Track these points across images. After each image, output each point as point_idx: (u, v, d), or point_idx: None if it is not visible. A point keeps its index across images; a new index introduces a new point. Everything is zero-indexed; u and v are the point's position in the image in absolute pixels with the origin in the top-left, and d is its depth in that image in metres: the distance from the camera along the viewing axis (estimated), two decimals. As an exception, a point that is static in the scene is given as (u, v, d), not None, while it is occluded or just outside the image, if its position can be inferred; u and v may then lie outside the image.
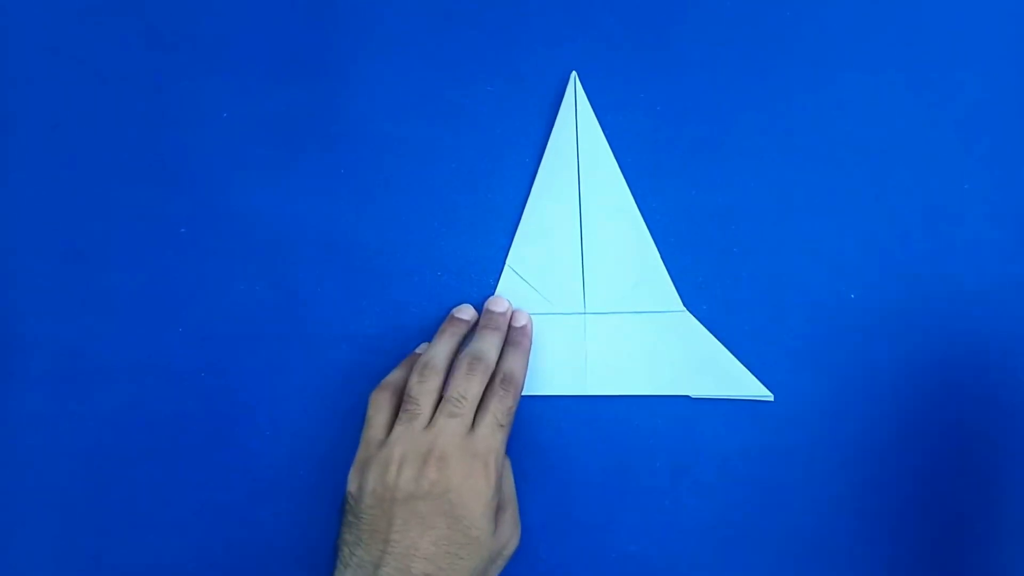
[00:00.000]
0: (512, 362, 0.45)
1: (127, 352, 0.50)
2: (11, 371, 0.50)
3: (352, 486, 0.42)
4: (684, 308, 0.48)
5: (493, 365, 0.44)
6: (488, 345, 0.45)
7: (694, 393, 0.47)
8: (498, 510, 0.42)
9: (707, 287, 0.48)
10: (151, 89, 0.51)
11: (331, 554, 0.42)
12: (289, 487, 0.49)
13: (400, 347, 0.49)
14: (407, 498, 0.40)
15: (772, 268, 0.48)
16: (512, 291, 0.48)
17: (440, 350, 0.45)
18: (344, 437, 0.48)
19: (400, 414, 0.43)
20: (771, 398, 0.47)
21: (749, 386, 0.47)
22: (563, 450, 0.48)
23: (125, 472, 0.49)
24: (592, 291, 0.48)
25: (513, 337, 0.46)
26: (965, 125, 0.48)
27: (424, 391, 0.43)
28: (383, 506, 0.40)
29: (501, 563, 0.43)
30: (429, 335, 0.47)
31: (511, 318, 0.47)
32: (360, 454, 0.43)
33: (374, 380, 0.46)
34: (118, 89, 0.51)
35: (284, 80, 0.50)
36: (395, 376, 0.46)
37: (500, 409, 0.43)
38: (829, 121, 0.49)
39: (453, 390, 0.43)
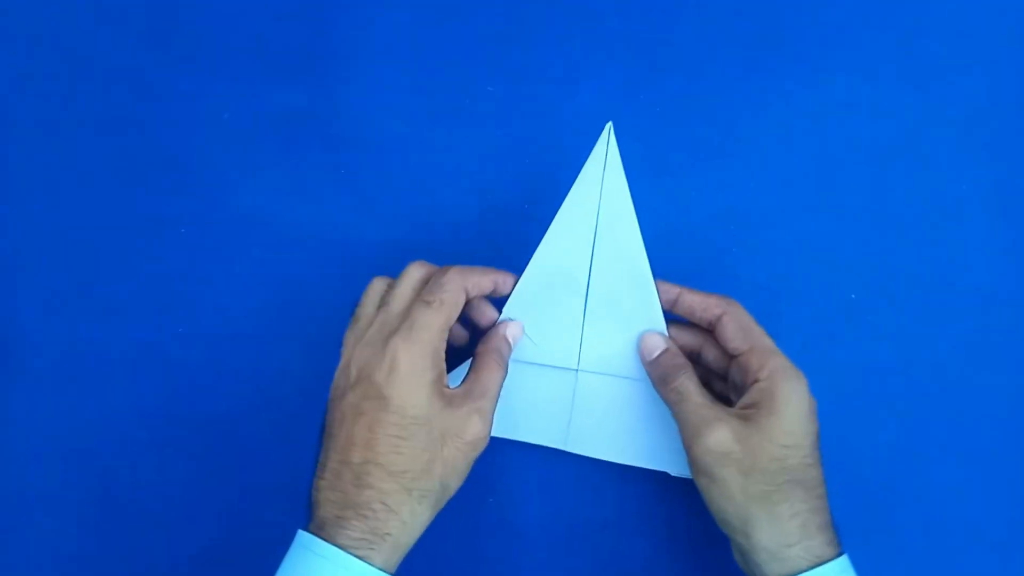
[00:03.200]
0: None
1: (127, 352, 0.50)
2: (11, 371, 0.50)
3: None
4: None
5: (432, 266, 0.42)
6: (479, 272, 0.43)
7: (674, 472, 0.45)
8: (462, 398, 0.40)
9: (707, 287, 0.48)
10: (151, 89, 0.51)
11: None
12: (289, 487, 0.49)
13: (400, 347, 0.49)
14: (343, 393, 0.39)
15: (772, 268, 0.48)
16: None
17: (457, 275, 0.42)
18: (344, 437, 0.48)
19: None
20: None
21: None
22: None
23: (125, 472, 0.49)
24: (588, 350, 0.45)
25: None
26: (965, 125, 0.48)
27: (366, 297, 0.42)
28: (331, 408, 0.40)
29: (462, 448, 0.39)
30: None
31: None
32: None
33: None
34: (118, 89, 0.51)
35: (284, 80, 0.50)
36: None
37: (428, 288, 0.40)
38: (829, 121, 0.49)
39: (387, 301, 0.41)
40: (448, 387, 0.40)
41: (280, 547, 0.49)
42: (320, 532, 0.37)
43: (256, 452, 0.49)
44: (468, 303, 0.43)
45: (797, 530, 0.38)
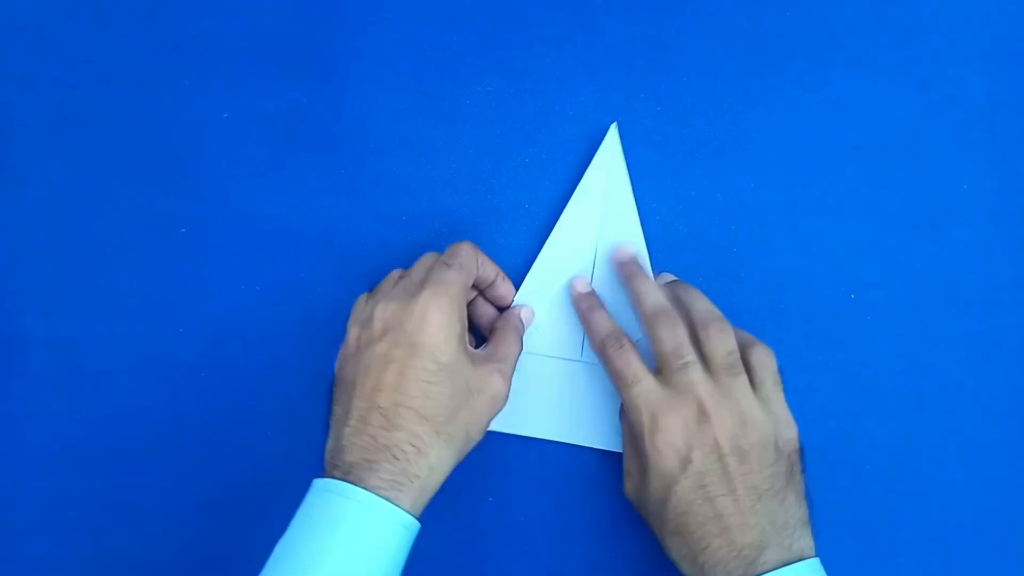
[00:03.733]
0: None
1: (127, 352, 0.50)
2: (11, 371, 0.50)
3: (335, 369, 0.43)
4: None
5: (481, 261, 0.45)
6: (488, 264, 0.45)
7: None
8: (484, 358, 0.42)
9: (707, 287, 0.48)
10: (151, 89, 0.51)
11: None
12: (289, 487, 0.49)
13: (400, 347, 0.49)
14: (367, 344, 0.40)
15: (772, 268, 0.48)
16: None
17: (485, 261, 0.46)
18: (344, 437, 0.48)
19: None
20: None
21: None
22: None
23: (125, 472, 0.49)
24: None
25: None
26: (965, 125, 0.48)
27: (386, 279, 0.44)
28: (351, 362, 0.41)
29: (486, 402, 0.41)
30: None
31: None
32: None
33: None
34: (118, 89, 0.51)
35: (284, 80, 0.50)
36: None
37: (447, 254, 0.43)
38: (829, 121, 0.49)
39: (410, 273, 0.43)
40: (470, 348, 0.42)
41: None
42: (347, 477, 0.37)
43: (256, 452, 0.49)
44: (487, 286, 0.46)
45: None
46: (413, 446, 0.38)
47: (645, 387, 0.41)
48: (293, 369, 0.49)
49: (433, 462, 0.39)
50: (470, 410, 0.40)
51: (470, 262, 0.43)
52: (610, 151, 0.48)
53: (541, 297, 0.47)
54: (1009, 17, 0.49)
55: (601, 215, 0.47)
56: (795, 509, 0.39)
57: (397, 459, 0.38)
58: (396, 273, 0.45)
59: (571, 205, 0.48)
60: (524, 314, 0.47)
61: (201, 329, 0.50)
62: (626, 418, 0.43)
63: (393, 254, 0.49)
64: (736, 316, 0.48)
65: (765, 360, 0.42)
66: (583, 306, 0.46)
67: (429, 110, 0.50)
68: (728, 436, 0.39)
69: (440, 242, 0.49)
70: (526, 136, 0.49)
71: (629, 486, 0.43)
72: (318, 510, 0.38)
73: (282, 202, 0.50)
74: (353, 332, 0.42)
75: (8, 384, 0.50)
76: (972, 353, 0.48)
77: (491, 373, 0.41)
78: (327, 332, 0.49)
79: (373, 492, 0.37)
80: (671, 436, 0.39)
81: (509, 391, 0.42)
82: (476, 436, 0.41)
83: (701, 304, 0.43)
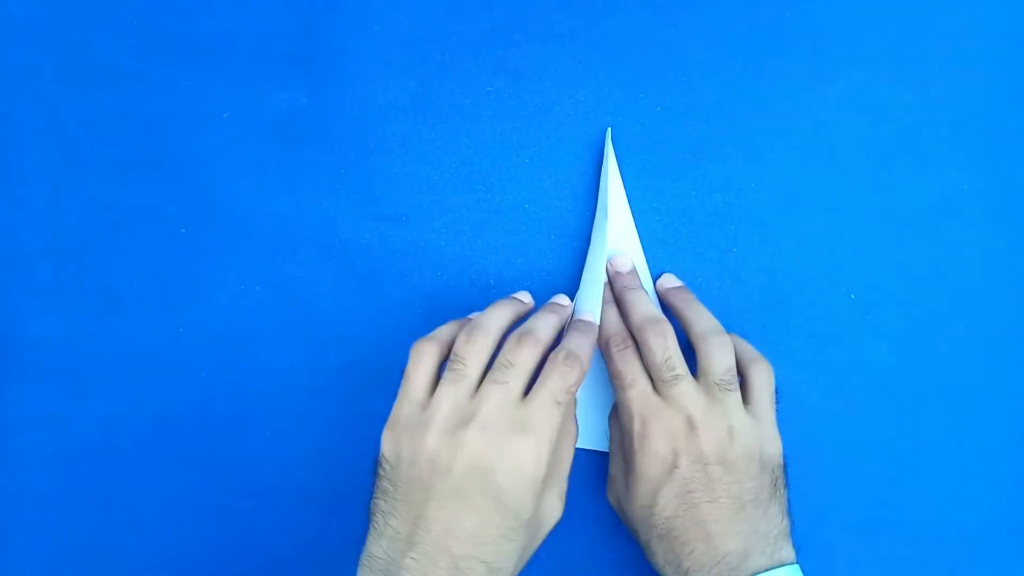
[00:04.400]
0: (576, 340, 0.40)
1: (127, 352, 0.50)
2: (11, 371, 0.50)
3: (387, 448, 0.38)
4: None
5: (546, 341, 0.39)
6: (543, 323, 0.40)
7: None
8: (548, 482, 0.39)
9: (707, 287, 0.48)
10: (151, 89, 0.51)
11: (328, 553, 0.41)
12: (289, 487, 0.49)
13: (399, 347, 0.48)
14: (446, 471, 0.36)
15: (772, 268, 0.48)
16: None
17: (494, 314, 0.40)
18: (344, 437, 0.48)
19: (445, 373, 0.38)
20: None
21: None
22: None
23: (125, 472, 0.49)
24: None
25: (577, 325, 0.42)
26: (965, 125, 0.48)
27: (472, 352, 0.38)
28: (420, 477, 0.36)
29: (542, 537, 0.40)
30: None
31: (574, 314, 0.44)
32: (396, 412, 0.39)
33: (374, 379, 0.46)
34: (118, 89, 0.51)
35: (284, 80, 0.50)
36: (444, 331, 0.41)
37: (558, 384, 0.38)
38: (829, 121, 0.49)
39: (502, 356, 0.38)
40: None
41: (279, 546, 0.49)
42: None
43: (256, 452, 0.49)
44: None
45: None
46: None
47: (640, 392, 0.41)
48: (293, 369, 0.49)
49: None
50: (533, 548, 0.39)
51: (574, 395, 0.39)
52: (604, 157, 0.48)
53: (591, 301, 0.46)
54: (1009, 17, 0.49)
55: (602, 220, 0.48)
56: (777, 521, 0.40)
57: None
58: (487, 346, 0.39)
59: (601, 219, 0.47)
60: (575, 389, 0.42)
61: (201, 329, 0.50)
62: (617, 420, 0.44)
63: (393, 254, 0.49)
64: (736, 316, 0.48)
65: (765, 378, 0.42)
66: (617, 286, 0.46)
67: (429, 110, 0.50)
68: (714, 447, 0.39)
69: (440, 241, 0.49)
70: (526, 136, 0.49)
71: (612, 491, 0.44)
72: None
73: (282, 202, 0.50)
74: (425, 437, 0.37)
75: (8, 384, 0.50)
76: (972, 353, 0.48)
77: (553, 502, 0.39)
78: (327, 332, 0.49)
79: None
80: (659, 443, 0.40)
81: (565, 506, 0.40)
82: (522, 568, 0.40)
83: (703, 317, 0.43)
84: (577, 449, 0.47)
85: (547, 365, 0.39)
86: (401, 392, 0.39)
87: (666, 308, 0.47)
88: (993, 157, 0.48)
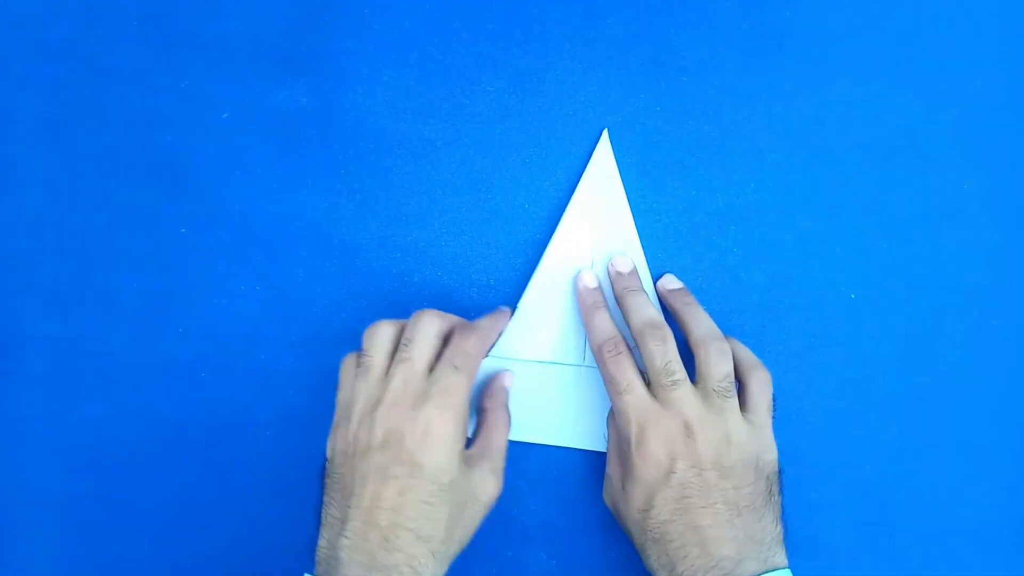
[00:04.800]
0: (479, 319, 0.44)
1: (127, 352, 0.50)
2: (11, 371, 0.50)
3: (328, 450, 0.42)
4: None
5: (446, 318, 0.43)
6: (438, 313, 0.43)
7: None
8: (478, 458, 0.42)
9: (707, 287, 0.48)
10: (151, 89, 0.51)
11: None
12: (289, 487, 0.49)
13: (400, 347, 0.49)
14: (365, 451, 0.39)
15: (772, 268, 0.48)
16: (519, 335, 0.47)
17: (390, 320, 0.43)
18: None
19: (356, 371, 0.42)
20: None
21: None
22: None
23: (125, 472, 0.49)
24: None
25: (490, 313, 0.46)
26: (965, 125, 0.48)
27: (375, 342, 0.42)
28: (348, 463, 0.40)
29: (479, 510, 0.41)
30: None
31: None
32: (335, 418, 0.42)
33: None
34: (118, 89, 0.51)
35: (284, 80, 0.50)
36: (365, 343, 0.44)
37: (455, 352, 0.41)
38: (829, 121, 0.49)
39: (404, 337, 0.41)
40: (464, 448, 0.41)
41: (279, 546, 0.49)
42: None
43: (256, 452, 0.49)
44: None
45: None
46: (411, 567, 0.38)
47: (636, 396, 0.41)
48: (292, 369, 0.49)
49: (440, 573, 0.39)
50: (464, 523, 0.41)
51: (476, 361, 0.42)
52: (602, 157, 0.48)
53: (544, 303, 0.48)
54: (1009, 17, 0.49)
55: (597, 223, 0.48)
56: (772, 527, 0.40)
57: None
58: (385, 331, 0.42)
59: (567, 216, 0.48)
60: (507, 382, 0.46)
61: (201, 329, 0.50)
62: (614, 424, 0.44)
63: (393, 254, 0.49)
64: (736, 317, 0.48)
65: (763, 386, 0.43)
66: (588, 302, 0.46)
67: (429, 110, 0.50)
68: (711, 453, 0.40)
69: (439, 242, 0.49)
70: (525, 136, 0.49)
71: (608, 492, 0.44)
72: None
73: (282, 202, 0.50)
74: (348, 427, 0.40)
75: (8, 383, 0.50)
76: (972, 353, 0.48)
77: (485, 477, 0.41)
78: (327, 332, 0.49)
79: None
80: (656, 447, 0.40)
81: (503, 485, 0.43)
82: (466, 542, 0.42)
83: (702, 321, 0.44)
84: (576, 449, 0.48)
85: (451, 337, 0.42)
86: (336, 401, 0.43)
87: (666, 309, 0.47)
88: (993, 157, 0.48)
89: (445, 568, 0.40)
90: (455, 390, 0.40)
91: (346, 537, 0.38)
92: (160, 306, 0.50)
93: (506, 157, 0.49)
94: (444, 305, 0.49)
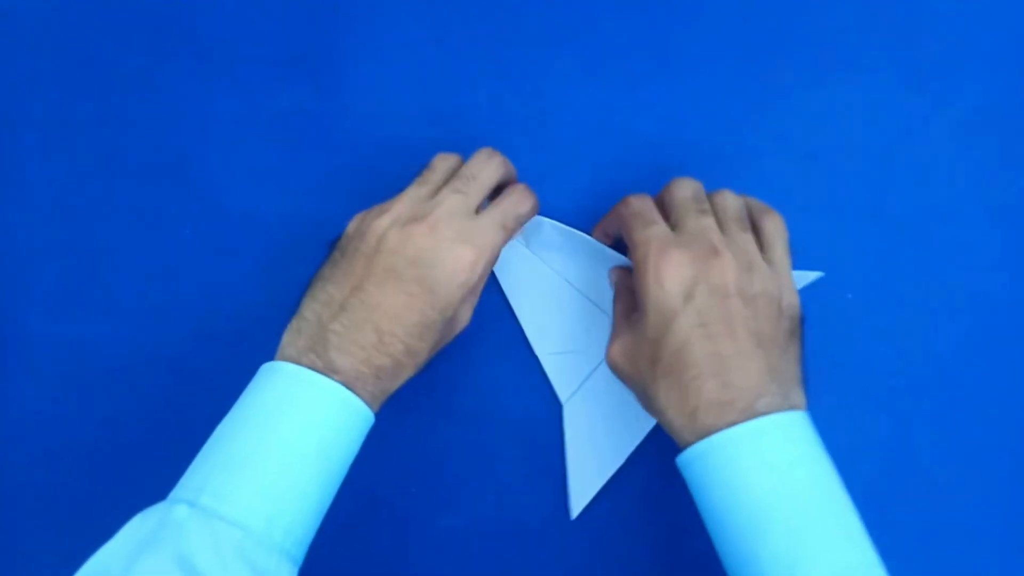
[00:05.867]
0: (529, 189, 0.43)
1: (128, 352, 0.50)
2: (12, 370, 0.50)
3: (350, 227, 0.42)
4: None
5: (511, 167, 0.43)
6: (505, 161, 0.43)
7: None
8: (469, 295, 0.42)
9: (707, 287, 0.48)
10: (151, 89, 0.51)
11: (329, 552, 0.41)
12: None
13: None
14: (392, 253, 0.39)
15: (772, 268, 0.48)
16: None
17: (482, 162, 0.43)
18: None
19: (413, 180, 0.42)
20: None
21: None
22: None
23: (126, 471, 0.49)
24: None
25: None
26: (965, 125, 0.49)
27: (442, 166, 0.42)
28: (366, 252, 0.40)
29: (447, 341, 0.43)
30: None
31: None
32: (370, 207, 0.42)
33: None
34: (118, 89, 0.51)
35: (284, 80, 0.50)
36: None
37: (511, 209, 0.41)
38: (828, 121, 0.49)
39: (466, 167, 0.41)
40: None
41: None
42: (334, 376, 0.38)
43: (256, 452, 0.49)
44: None
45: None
46: (395, 372, 0.39)
47: (660, 228, 0.40)
48: (293, 369, 0.49)
49: (400, 384, 0.40)
50: (439, 348, 0.43)
51: (520, 228, 0.43)
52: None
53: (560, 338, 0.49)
54: (1009, 17, 0.49)
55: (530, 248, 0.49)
56: (793, 367, 0.39)
57: (380, 379, 0.39)
58: (452, 164, 0.43)
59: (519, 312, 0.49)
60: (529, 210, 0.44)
61: (201, 329, 0.50)
62: (619, 273, 0.45)
63: (393, 254, 0.49)
64: (736, 316, 0.48)
65: (777, 226, 0.41)
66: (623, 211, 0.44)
67: (429, 110, 0.50)
68: (734, 278, 0.38)
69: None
70: (526, 136, 0.49)
71: (616, 346, 0.42)
72: (308, 404, 0.38)
73: (282, 202, 0.50)
74: (380, 222, 0.40)
75: (9, 383, 0.50)
76: (972, 353, 0.48)
77: (467, 311, 0.43)
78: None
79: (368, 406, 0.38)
80: (678, 268, 0.38)
81: (472, 313, 0.44)
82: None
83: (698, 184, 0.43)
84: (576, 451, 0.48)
85: (506, 190, 0.42)
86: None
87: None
88: (992, 157, 0.48)
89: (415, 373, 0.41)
90: (495, 247, 0.40)
91: (341, 324, 0.38)
92: (162, 306, 0.50)
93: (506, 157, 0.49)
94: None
